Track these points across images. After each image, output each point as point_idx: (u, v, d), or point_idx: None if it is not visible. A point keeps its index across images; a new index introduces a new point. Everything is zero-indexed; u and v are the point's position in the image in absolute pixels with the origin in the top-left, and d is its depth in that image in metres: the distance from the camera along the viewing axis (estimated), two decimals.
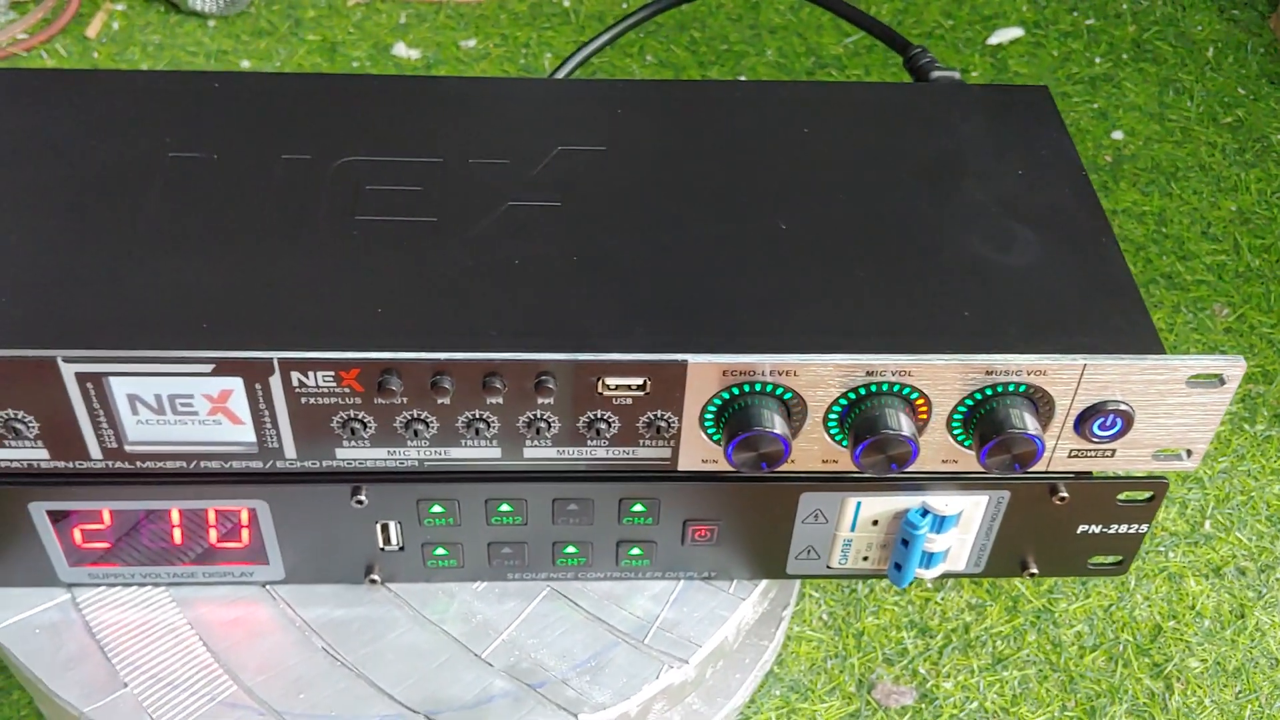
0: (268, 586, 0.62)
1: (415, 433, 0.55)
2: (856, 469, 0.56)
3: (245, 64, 1.12)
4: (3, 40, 1.13)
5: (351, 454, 0.56)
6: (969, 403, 0.55)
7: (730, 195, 0.61)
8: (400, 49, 1.14)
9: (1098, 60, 1.22)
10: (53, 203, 0.58)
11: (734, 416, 0.54)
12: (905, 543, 0.61)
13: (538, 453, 0.57)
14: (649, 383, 0.54)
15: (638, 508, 0.59)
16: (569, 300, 0.55)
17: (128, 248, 0.56)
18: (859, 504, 0.60)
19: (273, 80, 0.68)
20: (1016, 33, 1.23)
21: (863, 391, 0.54)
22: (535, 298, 0.55)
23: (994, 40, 1.21)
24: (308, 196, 0.59)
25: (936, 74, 0.74)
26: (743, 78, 1.14)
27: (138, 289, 0.54)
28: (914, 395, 0.55)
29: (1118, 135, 1.14)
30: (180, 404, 0.54)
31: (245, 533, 0.60)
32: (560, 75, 0.86)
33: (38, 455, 0.55)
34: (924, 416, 0.56)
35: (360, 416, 0.54)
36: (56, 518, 0.58)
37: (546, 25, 1.19)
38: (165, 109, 0.64)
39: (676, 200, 0.61)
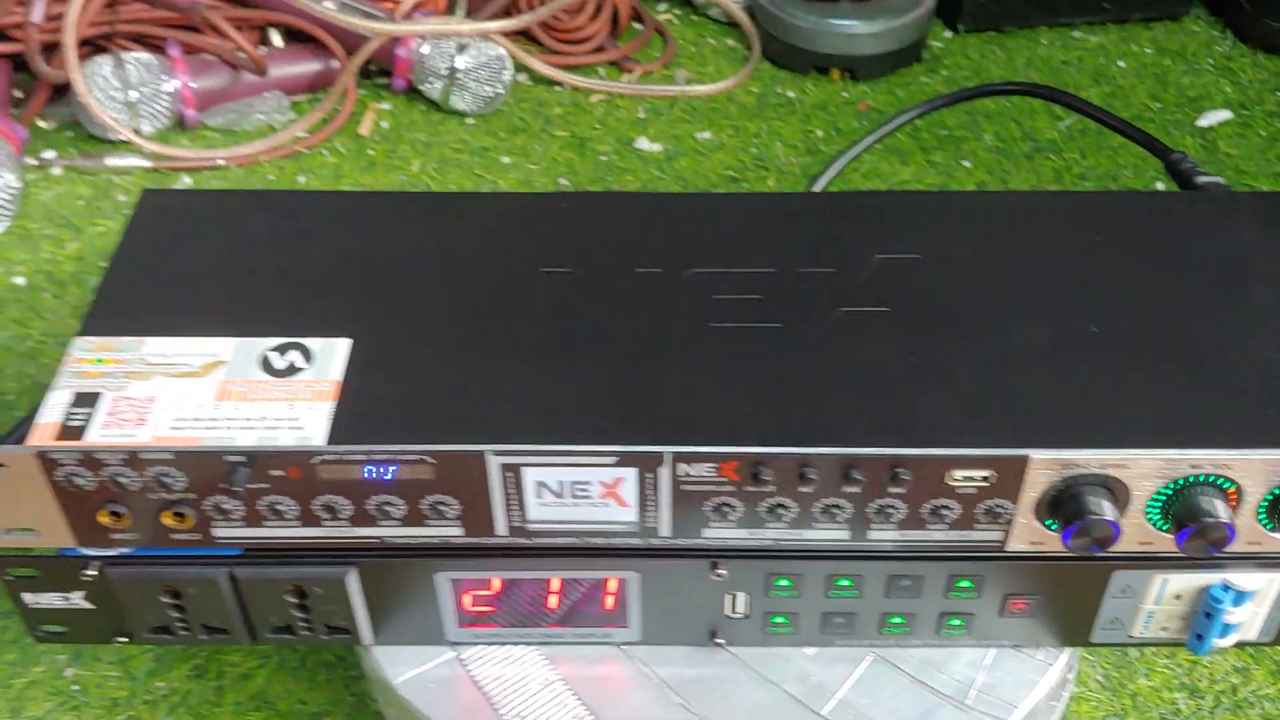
0: (623, 646, 0.71)
1: (777, 517, 0.63)
2: (1170, 550, 0.62)
3: (505, 159, 1.23)
4: (285, 139, 1.26)
5: (717, 533, 0.64)
6: (1276, 492, 0.61)
7: (1039, 300, 0.68)
8: (643, 142, 1.24)
9: None
10: (458, 313, 0.68)
11: (1069, 504, 0.61)
12: (1208, 615, 0.66)
13: (881, 535, 0.64)
14: (993, 475, 0.61)
15: (964, 584, 0.66)
16: (915, 400, 0.63)
17: (527, 355, 0.65)
18: (1165, 580, 0.66)
19: (614, 200, 0.77)
20: (1224, 115, 1.28)
21: (1182, 482, 0.61)
22: (885, 397, 0.63)
23: (1202, 123, 1.26)
24: (667, 305, 0.68)
25: (1202, 179, 0.80)
26: (966, 163, 1.21)
27: (544, 392, 0.63)
28: (1228, 485, 0.61)
29: None
30: (578, 489, 0.63)
31: (611, 599, 0.68)
32: (827, 177, 0.94)
33: (453, 532, 0.64)
34: (1234, 504, 0.62)
35: (730, 502, 0.62)
36: (455, 585, 0.67)
37: (774, 116, 1.27)
38: (527, 228, 0.74)
39: (992, 305, 0.68)
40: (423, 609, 0.68)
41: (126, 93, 1.23)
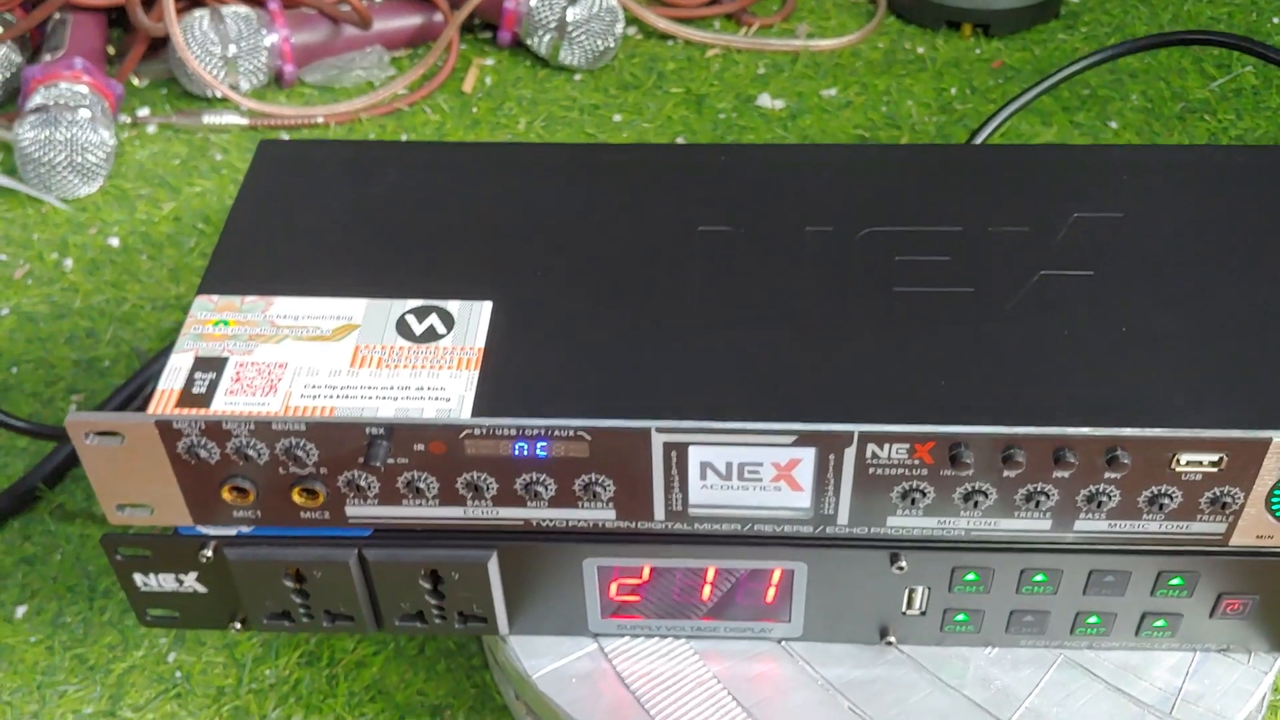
0: (783, 643, 0.64)
1: (974, 504, 0.56)
2: None
3: (617, 118, 1.16)
4: (386, 96, 1.20)
5: (902, 522, 0.58)
6: None
7: (1260, 260, 0.61)
8: (764, 99, 1.17)
9: None
10: (609, 275, 0.61)
11: None
12: None
13: (1089, 525, 0.57)
14: (1225, 459, 0.53)
15: (1175, 581, 0.59)
16: (1132, 373, 0.55)
17: (687, 321, 0.59)
18: None
19: (773, 150, 0.70)
20: None
21: None
22: (1097, 370, 0.55)
23: None
24: (843, 268, 0.61)
25: None
26: (1113, 124, 1.13)
27: (711, 361, 0.57)
28: None
29: None
30: (748, 471, 0.56)
31: (773, 591, 0.62)
32: (986, 132, 0.87)
33: (605, 516, 0.58)
34: None
35: (922, 487, 0.56)
36: (604, 572, 0.61)
37: (904, 72, 1.19)
38: (681, 182, 0.67)
39: (1209, 266, 0.60)
40: (565, 597, 0.62)
41: (224, 48, 1.18)
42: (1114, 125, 1.13)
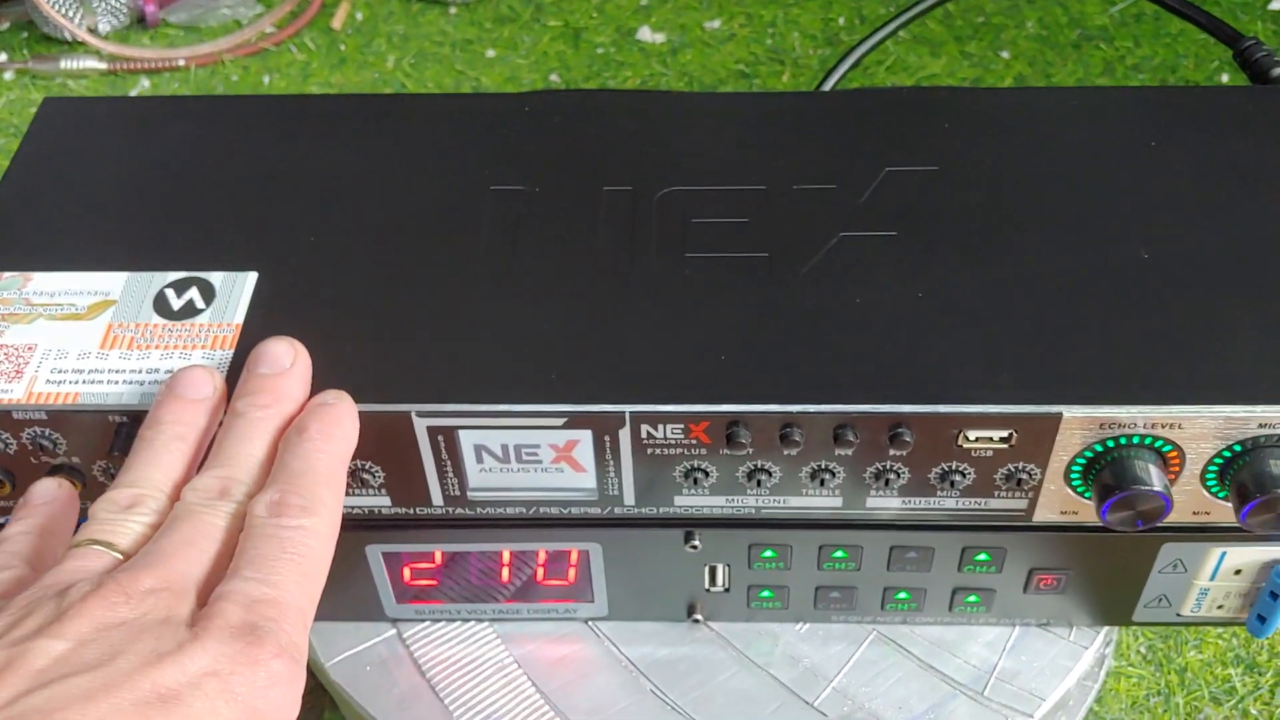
0: (590, 622, 0.62)
1: (758, 482, 0.53)
2: (1230, 520, 0.52)
3: (490, 53, 1.11)
4: (251, 35, 1.15)
5: (690, 501, 0.55)
6: None
7: (1081, 220, 0.57)
8: (645, 33, 1.12)
9: None
10: (387, 241, 0.57)
11: (1109, 472, 0.50)
12: (1275, 595, 0.56)
13: (881, 502, 0.54)
14: (1015, 435, 0.50)
15: (982, 556, 0.56)
16: (921, 344, 0.52)
17: (467, 292, 0.55)
18: (1223, 554, 0.56)
19: (581, 98, 0.66)
20: None
21: (1249, 444, 0.50)
22: (885, 342, 0.52)
23: (1276, 5, 1.12)
24: (637, 232, 0.57)
25: (1279, 71, 0.67)
26: (1005, 54, 1.08)
27: (483, 337, 0.53)
28: None
29: None
30: (526, 453, 0.53)
31: (573, 572, 0.59)
32: (840, 72, 0.82)
33: (380, 502, 0.55)
34: None
35: (703, 466, 0.53)
36: (390, 558, 0.58)
37: (792, 2, 1.15)
38: (480, 136, 0.63)
39: (1023, 228, 0.57)
40: (356, 583, 0.60)
41: None
42: (1006, 55, 1.09)
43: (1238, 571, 0.57)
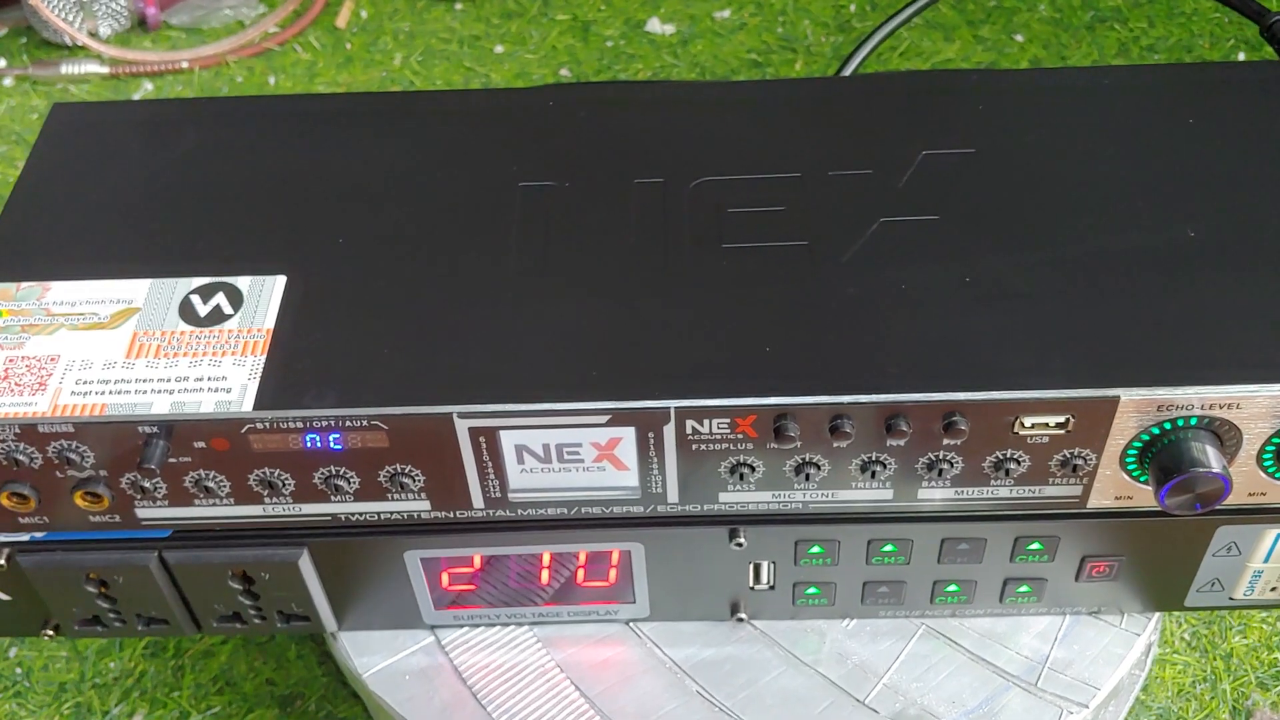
0: (631, 624, 0.61)
1: (806, 476, 0.52)
2: None
3: (498, 49, 1.10)
4: (255, 35, 1.13)
5: (735, 497, 0.53)
6: None
7: (1123, 200, 0.56)
8: (654, 24, 1.11)
9: None
10: (418, 241, 0.56)
11: (1167, 454, 0.49)
12: None
13: (933, 493, 0.53)
14: (1072, 420, 0.49)
15: (1034, 546, 0.55)
16: (971, 330, 0.51)
17: (502, 291, 0.54)
18: (1279, 535, 0.55)
19: (603, 90, 0.65)
20: None
21: None
22: (933, 328, 0.51)
23: None
24: (671, 224, 0.56)
25: None
26: (1019, 37, 1.07)
27: (520, 336, 0.52)
28: None
29: None
30: (568, 453, 0.52)
31: (614, 572, 0.58)
32: (859, 58, 0.81)
33: (419, 507, 0.54)
34: None
35: (750, 461, 0.51)
36: (428, 564, 0.57)
37: None
38: (504, 132, 0.62)
39: (1065, 209, 0.56)
40: (393, 591, 0.58)
41: None
42: (1019, 39, 1.07)
43: None
